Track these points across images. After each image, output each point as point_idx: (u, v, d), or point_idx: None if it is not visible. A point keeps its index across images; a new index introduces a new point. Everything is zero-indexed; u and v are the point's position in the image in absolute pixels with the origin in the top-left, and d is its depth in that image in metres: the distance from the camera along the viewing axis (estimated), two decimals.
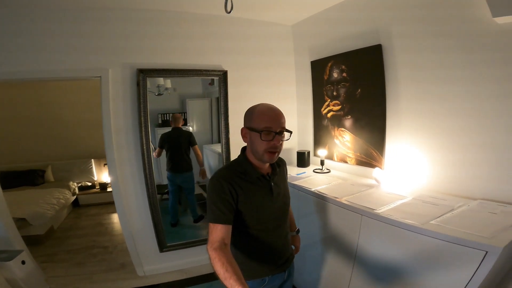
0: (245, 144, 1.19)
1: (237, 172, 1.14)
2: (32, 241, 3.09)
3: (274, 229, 1.21)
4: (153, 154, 2.70)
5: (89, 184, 4.87)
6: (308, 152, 2.65)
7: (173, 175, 2.91)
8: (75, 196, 4.61)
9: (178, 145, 2.85)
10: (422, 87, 1.78)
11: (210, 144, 3.00)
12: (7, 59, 2.02)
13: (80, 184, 4.82)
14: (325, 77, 2.47)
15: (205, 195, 3.13)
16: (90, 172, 4.96)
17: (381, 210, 1.50)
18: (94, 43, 2.20)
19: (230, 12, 1.31)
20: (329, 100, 2.47)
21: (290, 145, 2.87)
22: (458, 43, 1.57)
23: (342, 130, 2.37)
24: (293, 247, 1.44)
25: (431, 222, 1.30)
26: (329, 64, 2.40)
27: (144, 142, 2.35)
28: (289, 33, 2.85)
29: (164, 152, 2.82)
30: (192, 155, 2.88)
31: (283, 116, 1.12)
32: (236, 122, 2.57)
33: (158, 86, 2.70)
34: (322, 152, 2.51)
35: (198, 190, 3.10)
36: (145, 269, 2.61)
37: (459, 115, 1.60)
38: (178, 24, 2.39)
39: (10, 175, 4.33)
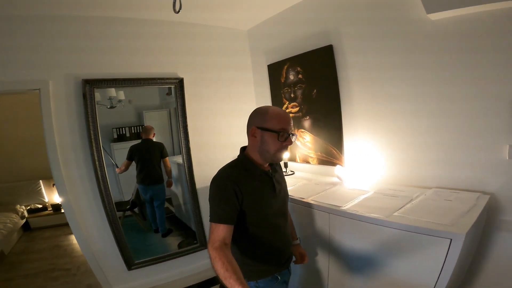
0: (244, 144, 1.25)
1: (241, 169, 1.17)
2: None
3: (277, 227, 1.24)
4: (116, 170, 2.53)
5: (40, 206, 4.50)
6: None
7: (145, 187, 2.79)
8: (24, 220, 4.24)
9: (148, 157, 2.72)
10: (371, 88, 1.86)
11: (172, 156, 2.88)
12: None
13: (29, 207, 4.42)
14: (282, 80, 2.49)
15: (172, 208, 3.02)
16: (39, 194, 4.56)
17: (347, 206, 1.53)
18: (32, 54, 1.99)
19: (178, 12, 1.25)
20: (287, 102, 2.49)
21: None
22: (401, 44, 1.66)
23: (302, 131, 2.40)
24: (294, 257, 1.43)
25: (395, 214, 1.35)
26: (285, 67, 2.42)
27: (97, 158, 2.17)
28: (245, 37, 2.84)
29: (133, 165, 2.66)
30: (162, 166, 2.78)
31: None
32: (196, 125, 2.44)
33: (110, 98, 2.50)
34: (284, 154, 2.52)
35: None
36: None
37: (404, 116, 1.72)
38: (126, 30, 2.26)
39: None
